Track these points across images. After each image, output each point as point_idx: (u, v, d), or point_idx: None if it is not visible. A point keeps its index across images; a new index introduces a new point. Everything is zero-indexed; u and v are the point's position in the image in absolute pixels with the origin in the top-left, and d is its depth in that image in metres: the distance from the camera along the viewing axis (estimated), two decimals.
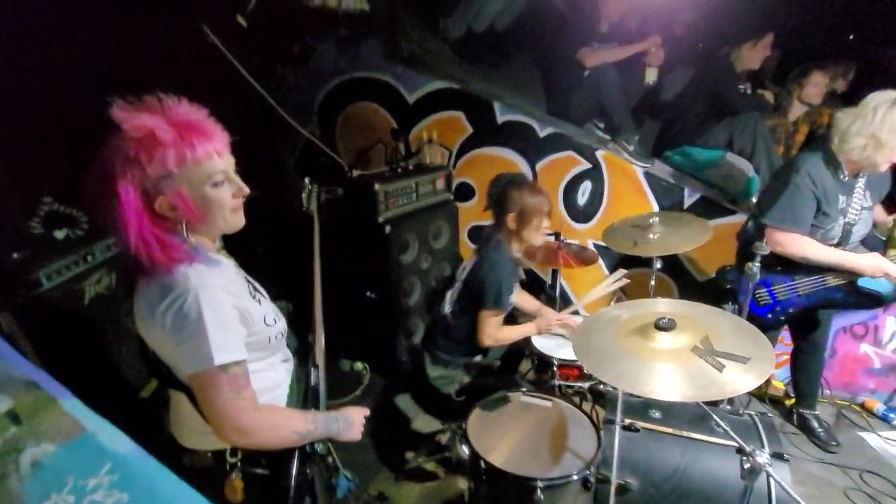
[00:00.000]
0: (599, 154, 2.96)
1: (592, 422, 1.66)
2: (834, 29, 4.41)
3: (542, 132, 3.03)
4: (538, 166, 3.10)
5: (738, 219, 2.78)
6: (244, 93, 2.91)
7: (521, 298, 2.19)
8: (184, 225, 1.02)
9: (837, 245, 2.02)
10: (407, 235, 2.73)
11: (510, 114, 3.05)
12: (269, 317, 1.13)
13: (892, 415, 2.52)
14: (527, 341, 2.22)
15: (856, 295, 2.00)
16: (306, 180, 1.76)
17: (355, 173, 2.69)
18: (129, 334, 1.91)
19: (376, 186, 2.50)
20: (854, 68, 3.45)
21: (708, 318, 1.35)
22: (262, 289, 1.21)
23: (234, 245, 1.26)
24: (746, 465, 1.11)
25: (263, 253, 3.24)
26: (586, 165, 3.00)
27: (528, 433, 1.64)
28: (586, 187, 3.05)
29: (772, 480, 1.38)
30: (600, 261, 2.99)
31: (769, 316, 2.17)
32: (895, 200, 2.29)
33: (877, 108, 1.79)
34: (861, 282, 1.97)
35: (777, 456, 1.51)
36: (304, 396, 1.31)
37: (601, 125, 3.19)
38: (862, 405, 2.67)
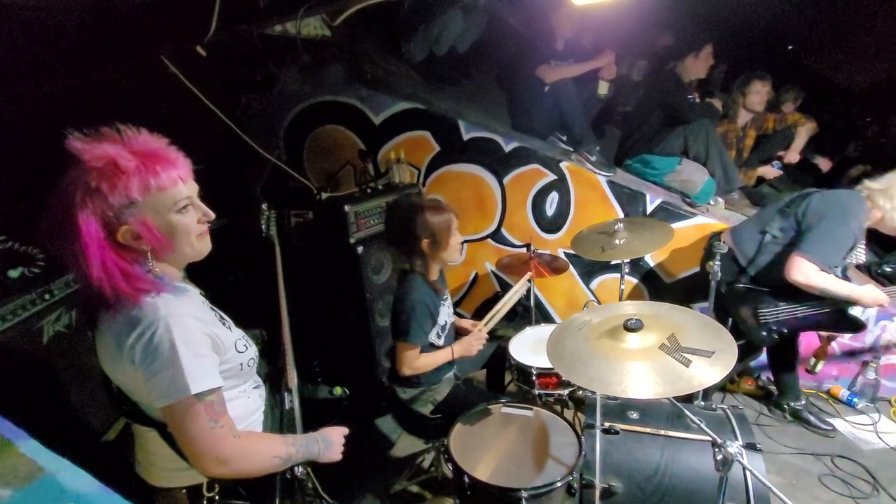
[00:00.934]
0: (564, 165, 3.05)
1: (573, 428, 1.68)
2: (773, 39, 4.75)
3: (508, 147, 3.11)
4: (505, 180, 3.17)
5: (697, 221, 2.90)
6: (208, 121, 2.90)
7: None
8: (149, 254, 1.00)
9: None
10: (380, 255, 2.73)
11: (475, 131, 3.13)
12: (239, 343, 1.12)
13: (855, 399, 2.64)
14: (505, 353, 2.24)
15: (842, 320, 2.18)
16: (263, 206, 1.76)
17: (324, 196, 2.69)
18: (93, 373, 1.83)
19: (346, 208, 2.50)
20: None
21: (673, 316, 1.39)
22: (227, 318, 1.19)
23: (203, 275, 1.24)
24: (720, 457, 1.14)
25: (234, 282, 3.18)
26: (552, 177, 3.09)
27: (510, 444, 1.64)
28: (553, 198, 3.13)
29: (747, 471, 1.42)
30: (571, 268, 3.06)
31: (764, 335, 2.26)
32: None
33: None
34: (849, 309, 2.14)
35: (750, 446, 1.56)
36: (279, 422, 1.28)
37: (563, 138, 3.31)
38: (828, 392, 2.79)
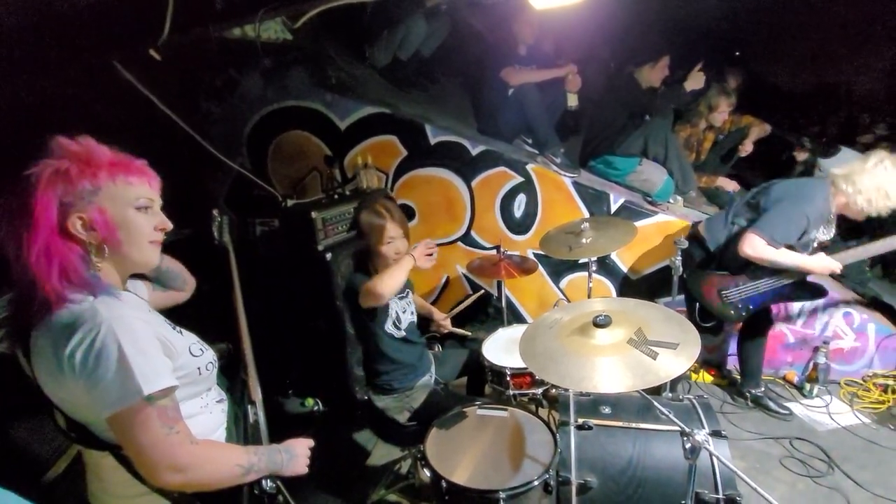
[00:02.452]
0: (530, 168, 3.10)
1: (548, 426, 1.70)
2: (722, 45, 5.01)
3: (474, 150, 3.13)
4: (473, 183, 3.20)
5: (659, 219, 3.01)
6: (166, 128, 2.78)
7: (418, 303, 2.24)
8: (94, 250, 0.96)
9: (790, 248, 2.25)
10: (350, 261, 2.69)
11: (442, 135, 3.14)
12: (194, 347, 1.07)
13: (808, 384, 2.78)
14: (478, 355, 2.24)
15: (802, 289, 2.30)
16: (214, 211, 1.69)
17: (290, 203, 2.63)
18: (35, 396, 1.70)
19: (313, 214, 2.46)
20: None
21: (639, 311, 1.43)
22: (177, 326, 1.14)
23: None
24: (688, 446, 1.18)
25: (199, 294, 3.06)
26: (519, 179, 3.13)
27: (487, 446, 1.64)
28: (521, 200, 3.17)
29: (714, 457, 1.48)
30: (541, 268, 3.11)
31: (732, 313, 2.37)
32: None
33: (887, 167, 2.08)
34: (809, 277, 2.25)
35: (715, 434, 1.63)
36: (244, 436, 1.23)
37: (529, 140, 3.37)
38: (784, 378, 2.94)
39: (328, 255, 2.52)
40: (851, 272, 3.09)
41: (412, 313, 2.08)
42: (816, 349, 2.76)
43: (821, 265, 2.19)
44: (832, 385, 2.81)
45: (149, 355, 0.91)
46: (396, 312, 1.99)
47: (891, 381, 2.74)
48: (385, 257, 1.90)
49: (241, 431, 1.22)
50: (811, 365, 2.74)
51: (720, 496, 1.50)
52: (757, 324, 2.53)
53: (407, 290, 2.07)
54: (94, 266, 0.96)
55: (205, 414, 1.11)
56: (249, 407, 1.30)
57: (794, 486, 2.18)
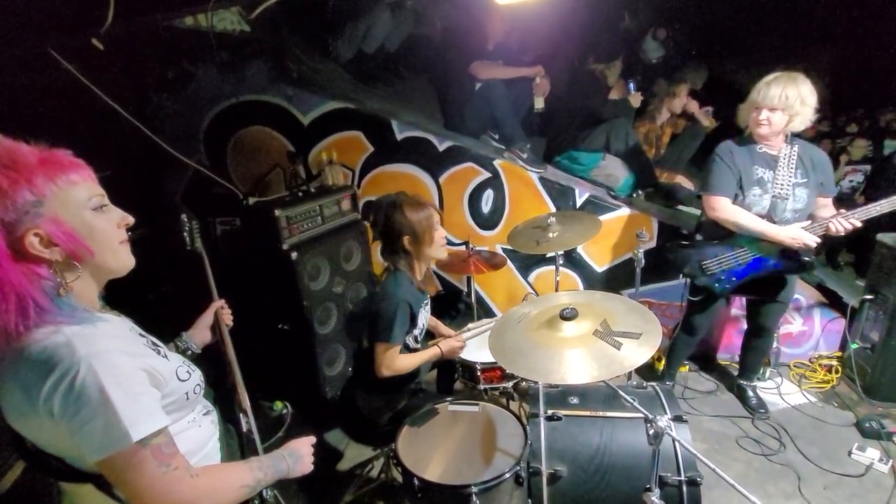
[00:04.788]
0: (497, 163, 3.12)
1: (518, 418, 1.72)
2: (680, 45, 5.19)
3: (442, 146, 3.12)
4: (441, 179, 3.19)
5: (623, 213, 3.09)
6: (113, 123, 2.63)
7: (431, 321, 2.14)
8: (60, 270, 0.85)
9: (767, 216, 2.20)
10: (316, 260, 2.63)
11: (409, 130, 3.11)
12: (181, 370, 0.99)
13: (762, 367, 2.93)
14: None
15: (786, 261, 2.24)
16: (183, 217, 1.61)
17: (252, 201, 2.54)
18: None
19: (277, 212, 2.38)
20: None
21: (604, 302, 1.47)
22: (161, 344, 1.07)
23: (118, 294, 1.11)
24: (651, 432, 1.21)
25: (156, 299, 2.93)
26: (486, 175, 3.15)
27: (459, 442, 1.64)
28: (489, 195, 3.19)
29: (676, 442, 1.54)
30: (509, 263, 3.14)
31: (716, 285, 2.35)
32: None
33: (755, 88, 2.14)
34: (787, 249, 2.19)
35: (677, 419, 1.69)
36: (239, 447, 1.18)
37: (495, 136, 3.38)
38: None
39: (294, 255, 2.45)
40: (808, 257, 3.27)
41: (426, 320, 2.00)
42: None
43: (790, 235, 2.10)
44: (782, 367, 2.98)
45: (136, 395, 0.83)
46: (423, 325, 1.91)
47: (834, 362, 2.93)
48: (437, 245, 1.78)
49: (235, 442, 1.17)
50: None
51: (682, 478, 1.56)
52: (761, 321, 2.51)
53: (428, 301, 1.96)
54: (66, 287, 0.85)
55: (193, 429, 1.04)
56: (241, 416, 1.25)
57: (750, 465, 2.30)
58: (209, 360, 1.46)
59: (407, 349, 1.87)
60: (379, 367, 1.75)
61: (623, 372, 1.20)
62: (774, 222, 2.18)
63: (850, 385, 2.79)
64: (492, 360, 2.04)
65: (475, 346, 2.24)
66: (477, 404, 1.81)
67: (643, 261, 2.37)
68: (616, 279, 3.14)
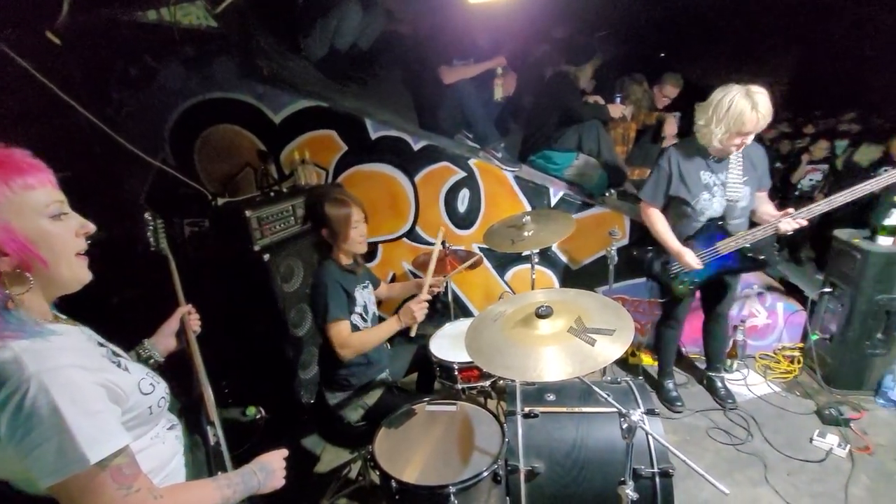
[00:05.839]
0: (472, 162, 3.13)
1: (495, 417, 1.72)
2: (648, 47, 5.33)
3: (417, 146, 3.11)
4: (417, 178, 3.17)
5: (596, 211, 3.15)
6: (71, 121, 2.50)
7: (390, 290, 2.25)
8: (9, 282, 0.79)
9: (721, 219, 2.27)
10: (290, 262, 2.58)
11: (383, 129, 3.08)
12: (144, 383, 0.94)
13: (729, 360, 3.03)
14: (426, 351, 2.23)
15: (743, 260, 2.31)
16: (147, 215, 1.55)
17: (221, 201, 2.47)
18: None
19: (247, 213, 2.32)
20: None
21: (578, 300, 1.48)
22: (123, 353, 1.02)
23: (76, 300, 1.05)
24: (625, 426, 1.23)
25: (119, 304, 2.81)
26: (462, 174, 3.15)
27: (437, 442, 1.63)
28: (465, 195, 3.19)
29: (649, 435, 1.57)
30: (486, 262, 3.15)
31: (680, 286, 2.43)
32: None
33: (713, 100, 2.14)
34: (745, 249, 2.29)
35: (650, 412, 1.73)
36: (207, 463, 1.13)
37: (470, 136, 3.39)
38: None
39: (266, 256, 2.40)
40: (763, 255, 3.40)
41: (374, 303, 2.06)
42: (735, 328, 3.01)
43: (676, 251, 2.28)
44: (749, 359, 3.08)
45: (93, 413, 0.78)
46: (365, 303, 1.95)
47: (797, 353, 3.05)
48: (353, 242, 1.87)
49: (202, 457, 1.12)
50: (731, 343, 2.98)
51: (655, 470, 1.60)
52: (715, 309, 2.60)
53: (368, 281, 2.04)
54: (15, 300, 0.80)
55: (156, 445, 0.99)
56: (208, 428, 1.19)
57: (720, 454, 2.38)
58: (174, 369, 1.41)
59: (354, 329, 1.89)
60: (338, 349, 1.79)
61: (597, 368, 1.21)
62: (728, 223, 2.28)
63: (811, 375, 2.92)
64: (469, 359, 2.05)
65: (451, 344, 2.24)
66: (455, 404, 1.81)
67: (616, 258, 2.42)
68: (591, 276, 3.19)
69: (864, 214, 3.38)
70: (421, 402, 1.82)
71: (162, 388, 1.00)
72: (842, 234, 2.77)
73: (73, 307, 1.04)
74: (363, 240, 1.91)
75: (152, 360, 1.30)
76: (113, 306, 2.72)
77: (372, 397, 1.94)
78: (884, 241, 2.52)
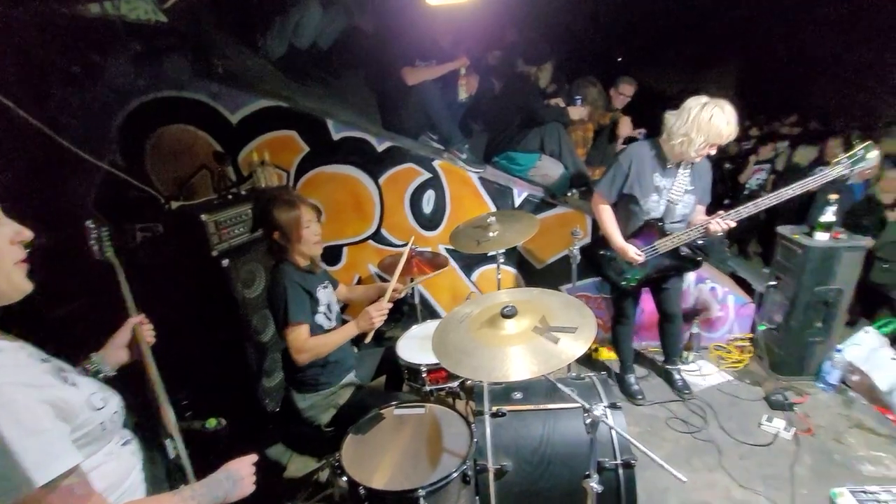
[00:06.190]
0: (437, 164, 3.13)
1: (464, 417, 1.73)
2: (606, 50, 5.51)
3: (380, 147, 3.08)
4: (381, 180, 3.15)
5: (559, 211, 3.22)
6: (7, 121, 2.33)
7: (351, 292, 2.23)
8: None
9: (660, 220, 2.41)
10: (250, 267, 2.50)
11: (346, 130, 3.04)
12: (95, 398, 0.89)
13: (685, 352, 3.17)
14: (392, 353, 2.21)
15: (679, 259, 2.46)
16: (89, 223, 1.46)
17: (175, 205, 2.36)
18: None
19: (204, 217, 2.23)
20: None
21: (542, 299, 1.51)
22: (70, 367, 0.96)
23: (16, 313, 0.98)
24: (588, 421, 1.27)
25: (63, 317, 2.63)
26: (427, 175, 3.15)
27: (406, 445, 1.62)
28: (430, 196, 3.19)
29: (611, 429, 1.62)
30: (452, 262, 3.16)
31: (623, 282, 2.55)
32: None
33: (690, 111, 2.20)
34: (681, 250, 2.43)
35: (613, 406, 1.78)
36: (166, 477, 1.08)
37: (434, 137, 3.39)
38: None
39: (224, 262, 2.31)
40: (714, 251, 3.58)
41: (334, 301, 2.03)
42: (691, 321, 3.15)
43: (620, 246, 2.42)
44: (703, 350, 3.24)
45: (39, 432, 0.74)
46: (328, 302, 1.93)
47: (746, 343, 3.23)
48: (307, 243, 1.83)
49: (161, 472, 1.07)
50: (688, 336, 3.12)
51: (618, 461, 1.65)
52: (666, 308, 2.72)
53: (328, 281, 2.01)
54: None
55: (111, 462, 0.94)
56: (167, 442, 1.14)
57: (678, 443, 2.48)
58: (128, 382, 1.34)
59: (322, 330, 1.87)
60: (294, 354, 1.76)
61: (561, 366, 1.24)
62: (666, 224, 2.42)
63: (760, 363, 3.09)
64: (436, 361, 2.05)
65: (419, 346, 2.24)
66: (423, 406, 1.80)
67: (579, 257, 2.48)
68: (555, 275, 3.26)
69: (805, 212, 3.63)
70: (389, 406, 1.80)
71: (115, 402, 0.96)
72: (784, 230, 2.95)
73: (13, 322, 0.97)
74: (318, 239, 1.88)
75: (102, 375, 1.24)
76: (57, 319, 2.55)
77: (342, 396, 1.91)
78: (820, 237, 2.71)
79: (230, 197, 2.53)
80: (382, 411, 1.78)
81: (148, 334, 1.37)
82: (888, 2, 5.52)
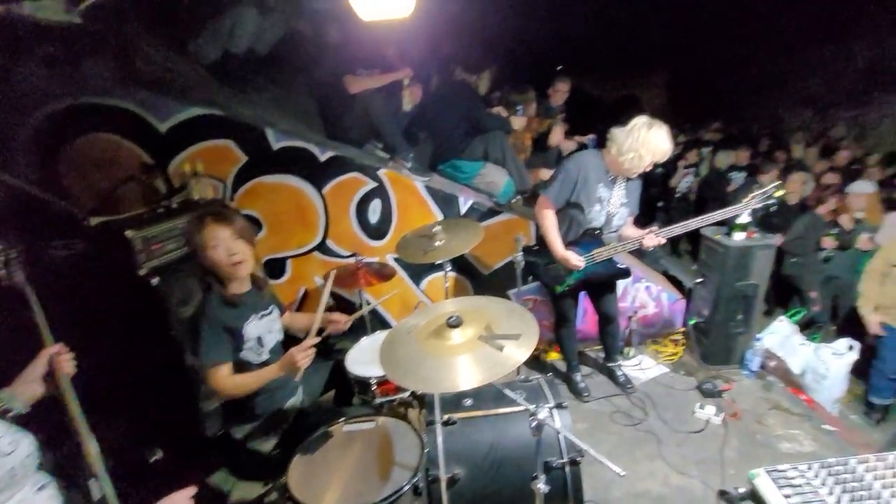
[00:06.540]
0: (382, 173, 3.11)
1: (414, 429, 1.72)
2: (546, 60, 5.74)
3: (323, 156, 3.02)
4: (325, 190, 3.08)
5: (503, 217, 3.30)
6: None
7: (293, 320, 2.01)
8: None
9: (599, 230, 2.54)
10: (186, 284, 2.35)
11: (286, 139, 2.95)
12: (3, 442, 0.84)
13: (626, 348, 3.34)
14: (342, 366, 2.17)
15: (612, 267, 2.61)
16: None
17: (96, 221, 2.19)
18: None
19: (130, 233, 2.08)
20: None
21: (487, 307, 1.54)
22: None
23: None
24: (533, 424, 1.31)
25: None
26: (372, 184, 3.12)
27: (356, 462, 1.59)
28: (376, 205, 3.17)
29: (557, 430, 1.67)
30: (401, 272, 3.15)
31: (558, 287, 2.64)
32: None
33: (640, 130, 2.34)
34: (614, 260, 2.57)
35: (559, 406, 1.84)
36: None
37: (380, 145, 3.37)
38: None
39: (155, 280, 2.17)
40: (648, 252, 3.80)
41: (278, 331, 1.89)
42: (630, 318, 3.33)
43: (562, 255, 2.49)
44: (641, 346, 3.43)
45: None
46: (259, 336, 1.77)
47: (679, 336, 3.46)
48: (221, 266, 1.65)
49: None
50: (628, 332, 3.30)
51: (565, 460, 1.71)
52: (603, 309, 2.86)
53: (272, 307, 1.87)
54: None
55: None
56: (91, 483, 1.04)
57: (622, 436, 2.61)
58: (44, 420, 1.22)
59: (251, 365, 1.75)
60: (213, 388, 1.65)
61: (507, 372, 1.27)
62: (604, 235, 2.56)
63: (691, 355, 3.32)
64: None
65: (369, 359, 2.21)
66: (373, 420, 1.78)
67: (523, 262, 2.55)
68: (503, 280, 3.34)
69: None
70: (337, 423, 1.76)
71: (26, 444, 0.88)
72: (707, 231, 3.19)
73: None
74: (237, 259, 1.66)
75: (12, 413, 1.12)
76: None
77: (284, 423, 1.83)
78: (738, 237, 2.96)
79: (160, 210, 2.39)
80: (331, 429, 1.74)
81: (66, 365, 1.26)
82: (793, 24, 6.18)
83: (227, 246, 1.63)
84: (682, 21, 5.86)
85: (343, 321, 1.88)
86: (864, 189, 4.17)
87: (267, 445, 1.81)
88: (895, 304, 2.98)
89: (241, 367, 1.73)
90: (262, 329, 1.79)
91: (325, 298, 1.77)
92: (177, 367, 2.34)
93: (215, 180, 2.84)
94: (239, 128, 2.86)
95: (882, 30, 6.44)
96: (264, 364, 1.77)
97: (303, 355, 1.58)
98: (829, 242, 4.10)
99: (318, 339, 1.65)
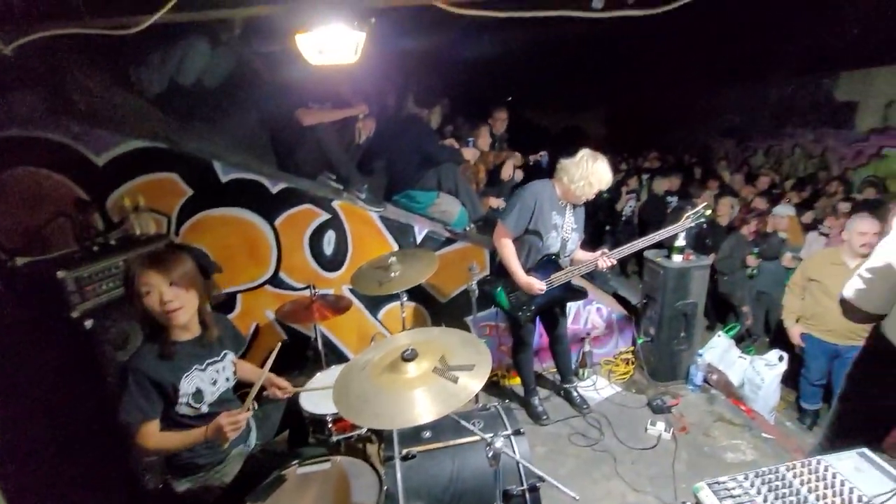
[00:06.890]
0: (336, 204, 3.10)
1: (372, 466, 1.68)
2: (496, 92, 6.01)
3: (275, 188, 2.98)
4: (277, 222, 3.03)
5: (458, 246, 3.35)
6: None
7: (240, 370, 1.87)
8: None
9: (556, 254, 2.65)
10: (123, 325, 2.22)
11: (235, 172, 2.89)
12: None
13: (581, 369, 3.44)
14: (296, 404, 2.09)
15: (570, 291, 2.74)
16: None
17: (22, 261, 2.03)
18: None
19: (61, 274, 1.95)
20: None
21: (441, 338, 1.56)
22: None
23: None
24: (490, 454, 1.32)
25: None
26: (326, 216, 3.10)
27: None
28: (330, 237, 3.14)
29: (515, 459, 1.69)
30: (357, 303, 3.11)
31: (520, 314, 2.70)
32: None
33: (588, 162, 2.51)
34: (571, 283, 2.70)
35: (516, 433, 1.86)
36: None
37: (333, 177, 3.37)
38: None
39: (88, 323, 2.03)
40: (597, 274, 3.97)
41: (227, 379, 1.76)
42: (583, 340, 3.44)
43: (525, 281, 2.58)
44: (596, 366, 3.54)
45: None
46: (197, 388, 1.64)
47: (630, 356, 3.60)
48: (154, 312, 1.55)
49: None
50: (581, 354, 3.40)
51: (524, 487, 1.72)
52: (554, 332, 2.98)
53: (224, 352, 1.76)
54: None
55: None
56: None
57: (580, 457, 2.65)
58: None
59: (186, 419, 1.63)
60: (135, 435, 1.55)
61: (462, 403, 1.28)
62: (560, 259, 2.68)
63: (641, 372, 3.46)
64: None
65: (325, 395, 2.13)
66: (328, 460, 1.72)
67: (478, 291, 2.60)
68: (459, 308, 3.36)
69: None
70: (291, 466, 1.69)
71: None
72: (649, 253, 3.39)
73: None
74: (169, 308, 1.53)
75: None
76: None
77: (229, 473, 1.73)
78: (676, 259, 3.17)
79: (96, 248, 2.25)
80: (284, 472, 1.66)
81: None
82: (715, 67, 6.85)
83: (160, 292, 1.53)
84: (620, 62, 6.36)
85: (284, 392, 1.85)
86: (785, 212, 4.63)
87: (209, 498, 1.70)
88: (814, 315, 3.26)
89: (176, 421, 1.62)
90: (206, 380, 1.68)
91: (270, 364, 1.68)
92: (113, 416, 2.17)
93: (158, 214, 2.72)
94: (184, 160, 2.78)
95: (790, 72, 7.32)
96: (204, 417, 1.65)
97: (232, 427, 1.47)
98: (751, 260, 4.47)
99: (249, 413, 1.55)
